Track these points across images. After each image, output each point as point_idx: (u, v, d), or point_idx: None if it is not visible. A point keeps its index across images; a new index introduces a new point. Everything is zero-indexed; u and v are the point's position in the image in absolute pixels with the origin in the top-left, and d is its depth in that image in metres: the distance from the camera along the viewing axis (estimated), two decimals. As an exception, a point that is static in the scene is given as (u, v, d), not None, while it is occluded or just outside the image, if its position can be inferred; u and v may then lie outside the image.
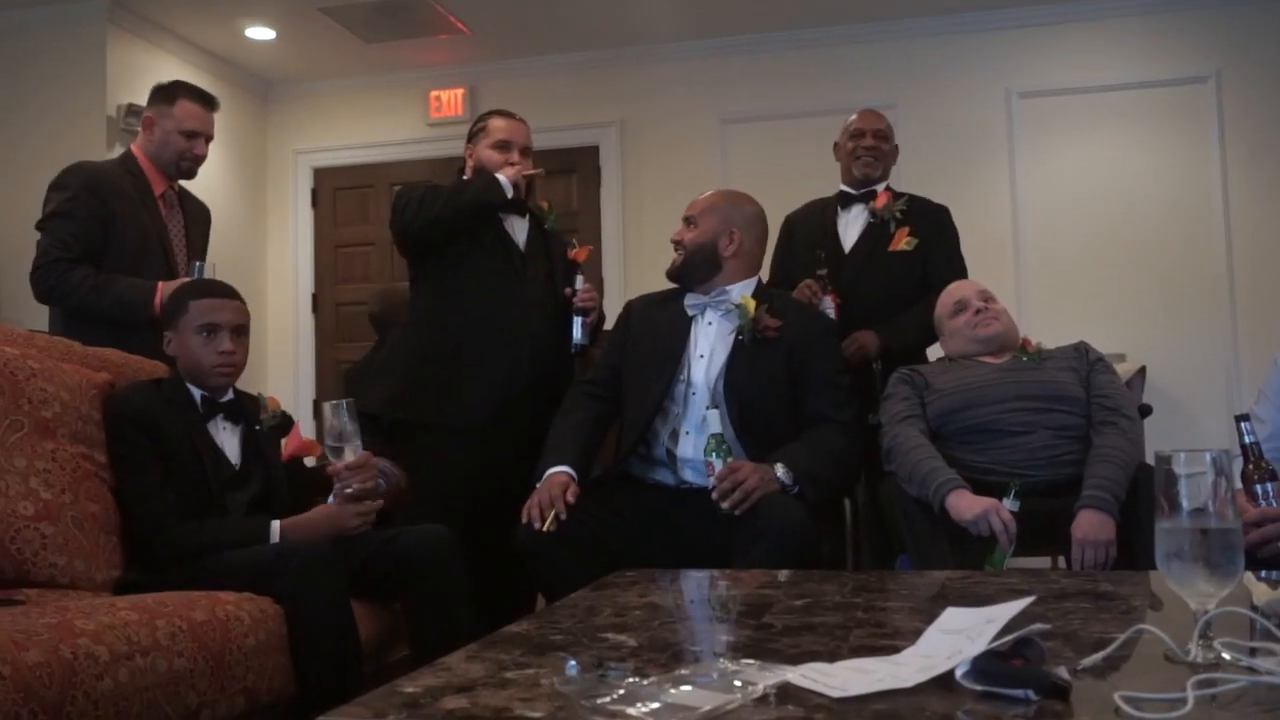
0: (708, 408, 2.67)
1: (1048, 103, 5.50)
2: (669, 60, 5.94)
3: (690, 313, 2.90)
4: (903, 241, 3.37)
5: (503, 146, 3.17)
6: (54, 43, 5.28)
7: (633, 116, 6.00)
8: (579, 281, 3.18)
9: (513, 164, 3.12)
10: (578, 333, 3.16)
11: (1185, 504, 1.20)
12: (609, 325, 3.29)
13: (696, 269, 2.89)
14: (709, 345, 2.84)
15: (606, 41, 5.86)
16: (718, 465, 2.56)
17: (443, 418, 3.05)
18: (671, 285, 3.00)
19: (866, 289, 3.36)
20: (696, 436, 2.76)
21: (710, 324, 2.88)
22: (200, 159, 3.33)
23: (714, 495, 2.53)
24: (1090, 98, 5.45)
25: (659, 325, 2.93)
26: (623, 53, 5.95)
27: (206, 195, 3.38)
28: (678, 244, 2.92)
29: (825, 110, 5.56)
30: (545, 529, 2.52)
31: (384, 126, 6.31)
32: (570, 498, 2.58)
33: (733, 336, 2.82)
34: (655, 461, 2.83)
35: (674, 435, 2.79)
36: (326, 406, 2.41)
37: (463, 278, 3.12)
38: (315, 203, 6.46)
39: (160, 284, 3.03)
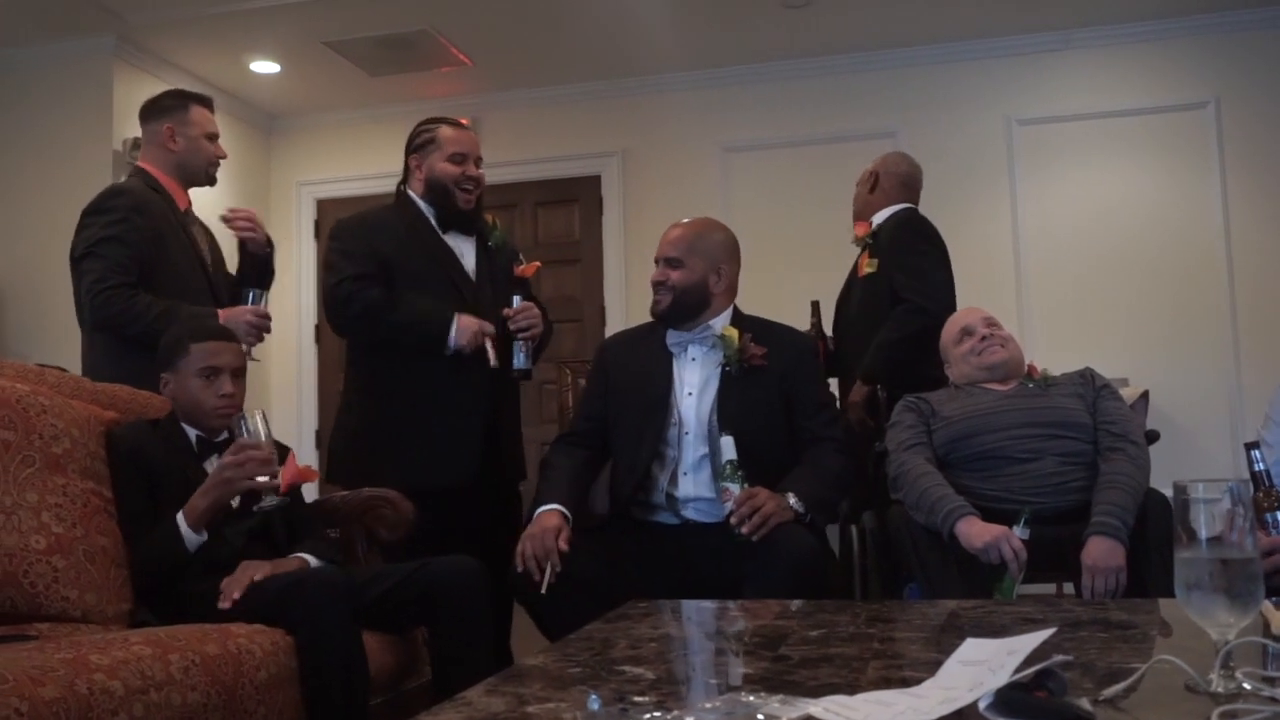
0: (721, 435, 2.64)
1: (1047, 130, 5.54)
2: (671, 90, 5.98)
3: (672, 350, 2.84)
4: (866, 266, 3.50)
5: (458, 159, 3.06)
6: (61, 78, 5.33)
7: (635, 146, 6.04)
8: (516, 301, 3.02)
9: (486, 333, 2.95)
10: (517, 358, 3.00)
11: (1204, 534, 1.21)
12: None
13: (686, 309, 2.82)
14: (697, 381, 2.80)
15: (608, 72, 5.91)
16: (734, 491, 2.54)
17: (415, 483, 2.87)
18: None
19: (843, 315, 3.66)
20: (695, 475, 2.74)
21: (694, 359, 2.83)
22: (219, 161, 3.25)
23: (733, 520, 2.50)
24: (1090, 124, 5.49)
25: (640, 367, 2.85)
26: (625, 83, 5.99)
27: (210, 227, 3.35)
28: (661, 285, 2.81)
29: (827, 138, 5.63)
30: (544, 590, 2.47)
31: (386, 158, 6.27)
32: (564, 544, 2.52)
33: (719, 369, 2.79)
34: (655, 506, 2.78)
35: (673, 478, 2.76)
36: (258, 416, 2.38)
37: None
38: (318, 234, 6.48)
39: (221, 312, 2.95)
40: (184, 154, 3.18)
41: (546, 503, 2.66)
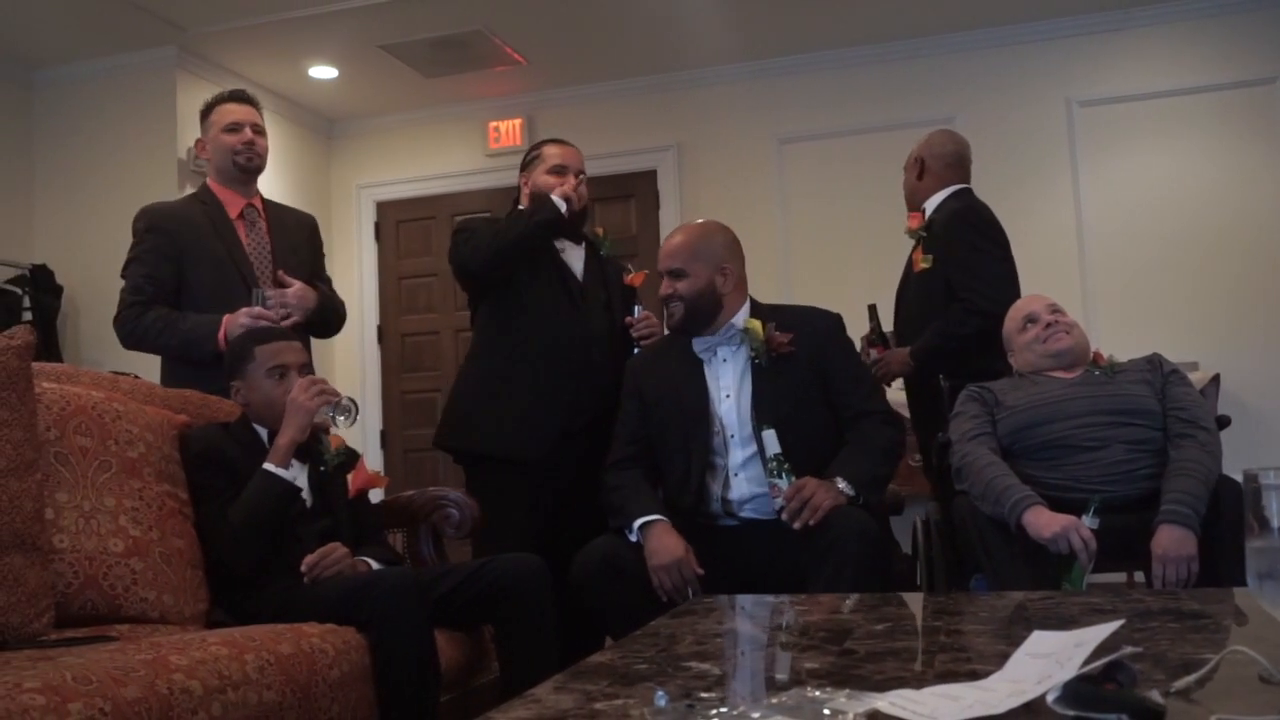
0: (763, 429, 2.64)
1: (1109, 110, 5.44)
2: (724, 82, 5.97)
3: (701, 356, 2.85)
4: (920, 262, 3.40)
5: (559, 170, 3.20)
6: (126, 90, 5.46)
7: (689, 140, 6.03)
8: (637, 310, 3.19)
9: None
10: None
11: (1276, 523, 1.19)
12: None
13: (703, 316, 2.83)
14: (731, 382, 2.81)
15: (661, 66, 5.91)
16: (783, 485, 2.55)
17: (505, 450, 3.06)
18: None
19: (900, 311, 3.55)
20: (745, 473, 2.75)
21: (725, 360, 2.84)
22: (251, 145, 3.22)
23: (784, 516, 2.52)
24: (1152, 104, 5.38)
25: (671, 381, 2.87)
26: (678, 77, 5.99)
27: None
28: (670, 298, 2.82)
29: (883, 126, 5.57)
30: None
31: (444, 159, 6.41)
32: (698, 569, 2.56)
33: (749, 364, 2.80)
34: (713, 514, 2.80)
35: (725, 483, 2.77)
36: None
37: (522, 310, 3.13)
38: (379, 236, 6.57)
39: (225, 317, 2.98)
40: (213, 158, 3.29)
41: (644, 514, 2.67)
